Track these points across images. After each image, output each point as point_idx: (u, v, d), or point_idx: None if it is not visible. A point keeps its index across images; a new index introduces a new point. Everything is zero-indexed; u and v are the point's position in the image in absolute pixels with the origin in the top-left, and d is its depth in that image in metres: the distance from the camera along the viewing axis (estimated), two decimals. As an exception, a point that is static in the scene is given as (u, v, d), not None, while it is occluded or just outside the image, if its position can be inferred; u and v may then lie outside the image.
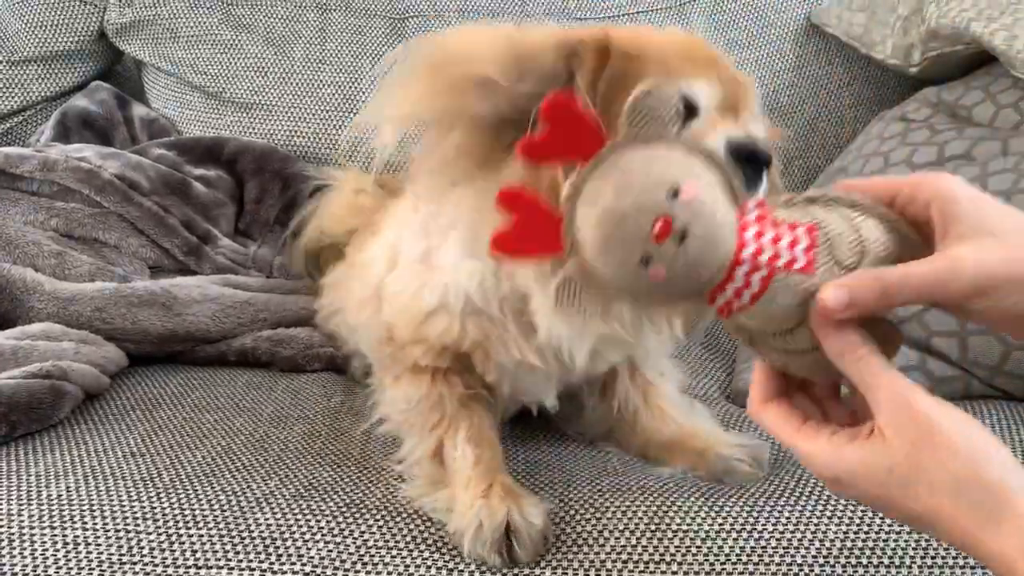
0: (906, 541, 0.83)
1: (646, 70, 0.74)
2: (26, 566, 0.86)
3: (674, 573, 0.83)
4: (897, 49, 1.55)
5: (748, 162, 0.71)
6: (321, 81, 1.71)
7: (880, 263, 0.63)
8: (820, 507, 0.88)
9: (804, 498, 0.89)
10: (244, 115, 1.72)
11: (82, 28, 1.77)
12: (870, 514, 0.86)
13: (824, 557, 0.82)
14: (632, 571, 0.83)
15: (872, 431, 0.62)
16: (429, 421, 0.96)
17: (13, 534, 0.89)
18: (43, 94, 1.77)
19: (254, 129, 1.71)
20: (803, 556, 0.83)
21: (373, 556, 0.86)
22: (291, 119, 1.70)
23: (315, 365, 1.36)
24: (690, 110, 0.75)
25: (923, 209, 0.64)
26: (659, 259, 0.62)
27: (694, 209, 0.62)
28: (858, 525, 0.85)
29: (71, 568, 0.85)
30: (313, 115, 1.70)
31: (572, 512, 0.89)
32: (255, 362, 1.38)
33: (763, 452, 0.96)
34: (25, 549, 0.87)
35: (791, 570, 0.82)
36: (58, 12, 1.76)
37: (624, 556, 0.84)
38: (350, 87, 1.71)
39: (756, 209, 0.65)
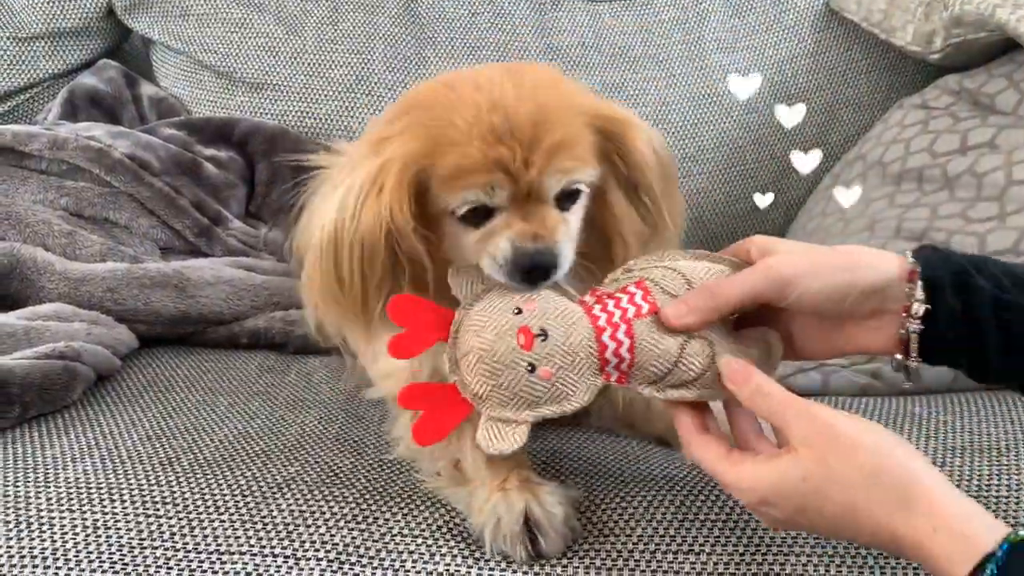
0: (938, 532, 0.82)
1: (440, 192, 0.79)
2: (45, 549, 0.84)
3: (703, 564, 0.81)
4: (918, 36, 1.53)
5: (527, 270, 0.78)
6: (333, 62, 1.69)
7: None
8: (850, 497, 0.87)
9: (833, 488, 0.88)
10: (255, 95, 1.69)
11: (90, 5, 1.74)
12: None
13: (855, 547, 0.81)
14: (660, 561, 0.82)
15: (787, 451, 0.70)
16: (435, 450, 0.91)
17: (32, 516, 0.87)
18: (50, 71, 1.74)
19: (265, 109, 1.69)
20: (834, 546, 0.82)
21: (398, 543, 0.85)
22: (302, 100, 1.68)
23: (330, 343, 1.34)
24: (486, 211, 0.80)
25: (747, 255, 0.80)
26: (539, 361, 0.76)
27: (539, 311, 0.77)
28: (889, 516, 0.84)
29: (91, 551, 0.84)
30: (325, 96, 1.68)
31: (597, 502, 0.88)
32: (268, 343, 1.37)
33: None
34: (45, 532, 0.86)
35: (822, 560, 0.81)
36: (66, -12, 1.73)
37: (652, 546, 0.83)
38: (362, 68, 1.69)
39: (591, 296, 0.80)
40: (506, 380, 0.76)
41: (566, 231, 0.81)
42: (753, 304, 0.78)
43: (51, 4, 1.72)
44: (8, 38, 1.71)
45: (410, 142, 0.79)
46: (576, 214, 0.84)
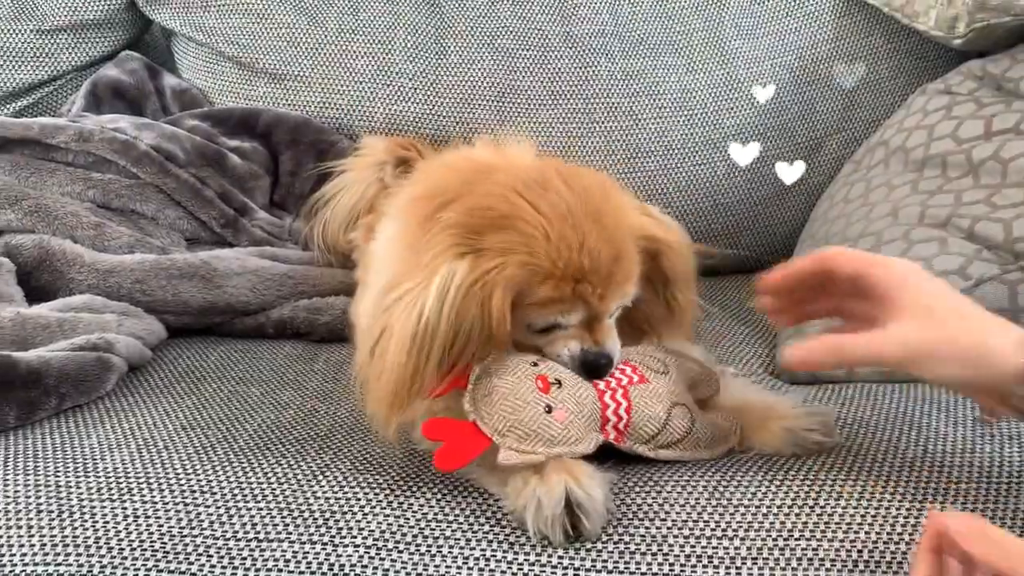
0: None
1: (527, 311, 0.91)
2: (88, 538, 0.86)
3: (736, 548, 0.82)
4: (941, 20, 1.52)
5: (592, 367, 0.92)
6: (354, 52, 1.69)
7: (678, 366, 0.96)
8: (883, 483, 0.87)
9: (865, 474, 0.89)
10: (277, 86, 1.70)
11: (113, -4, 1.75)
12: (934, 491, 0.86)
13: (888, 534, 0.82)
14: (695, 546, 0.83)
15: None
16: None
17: (74, 506, 0.89)
18: (73, 63, 1.75)
19: (287, 100, 1.69)
20: (867, 533, 0.82)
21: (433, 530, 0.86)
22: (324, 90, 1.69)
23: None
24: (557, 325, 0.92)
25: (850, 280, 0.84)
26: (555, 403, 0.87)
27: (552, 366, 0.91)
28: (921, 503, 0.85)
29: (133, 540, 0.86)
30: (346, 86, 1.68)
31: (631, 485, 0.89)
32: (293, 332, 1.38)
33: (831, 418, 0.96)
34: (87, 521, 0.87)
35: (855, 547, 0.81)
36: (88, -20, 1.74)
37: (686, 531, 0.84)
38: (384, 58, 1.69)
39: None
40: (526, 417, 0.85)
41: (615, 335, 0.95)
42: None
43: (74, -4, 1.73)
44: (32, 31, 1.72)
45: (512, 269, 0.87)
46: (616, 318, 0.97)
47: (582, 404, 0.88)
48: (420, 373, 0.86)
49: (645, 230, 0.96)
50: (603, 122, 1.67)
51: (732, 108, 1.68)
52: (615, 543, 0.83)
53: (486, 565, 0.83)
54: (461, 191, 0.93)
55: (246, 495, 0.90)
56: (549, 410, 0.86)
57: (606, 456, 0.90)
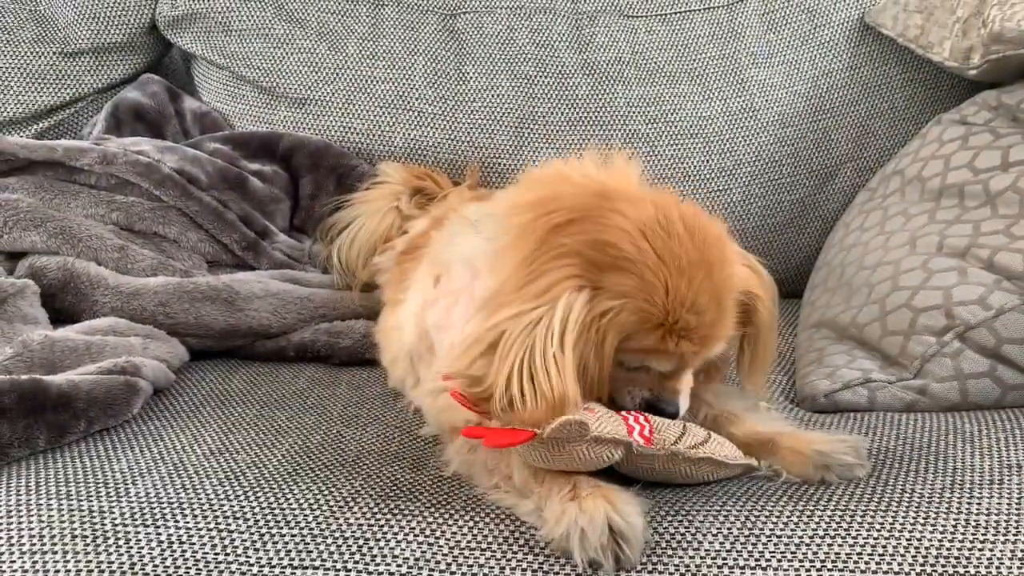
0: (1001, 551, 0.84)
1: (626, 353, 0.93)
2: (123, 564, 0.86)
3: (770, 578, 0.83)
4: (956, 51, 1.54)
5: (656, 412, 0.95)
6: (374, 77, 1.71)
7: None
8: (914, 513, 0.88)
9: (895, 504, 0.90)
10: (297, 110, 1.71)
11: (134, 20, 1.76)
12: (965, 521, 0.87)
13: (920, 565, 0.83)
14: (728, 575, 0.83)
15: None
16: (488, 463, 0.96)
17: (108, 532, 0.89)
18: (95, 86, 1.76)
19: (307, 125, 1.71)
20: (899, 564, 0.83)
21: (467, 557, 0.86)
22: (344, 115, 1.70)
23: (375, 353, 1.35)
24: (647, 368, 0.95)
25: None
26: (586, 407, 0.90)
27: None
28: (952, 533, 0.85)
29: (168, 567, 0.86)
30: (367, 111, 1.70)
31: (663, 514, 0.90)
32: (314, 356, 1.39)
33: (863, 445, 0.97)
34: (121, 547, 0.87)
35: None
36: (111, 3, 1.75)
37: (719, 560, 0.84)
38: (404, 84, 1.71)
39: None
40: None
41: (688, 389, 0.97)
42: None
43: (96, 20, 1.75)
44: (54, 53, 1.74)
45: (626, 315, 0.89)
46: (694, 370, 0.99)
47: (610, 412, 0.91)
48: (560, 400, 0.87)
49: (747, 284, 0.97)
50: (620, 149, 1.68)
51: (748, 136, 1.70)
52: (648, 572, 0.84)
53: (520, 594, 0.83)
54: (581, 215, 0.93)
55: (279, 521, 0.91)
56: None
57: (632, 482, 0.91)
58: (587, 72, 1.72)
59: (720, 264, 0.93)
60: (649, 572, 0.84)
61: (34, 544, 0.88)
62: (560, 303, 0.88)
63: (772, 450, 0.97)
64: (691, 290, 0.89)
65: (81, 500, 0.93)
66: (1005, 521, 0.87)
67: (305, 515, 0.91)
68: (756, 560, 0.84)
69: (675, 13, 1.77)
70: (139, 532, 0.89)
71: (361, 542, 0.88)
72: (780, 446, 0.97)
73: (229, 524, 0.90)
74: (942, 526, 0.86)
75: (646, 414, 0.93)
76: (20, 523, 0.90)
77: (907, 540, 0.85)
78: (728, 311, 0.94)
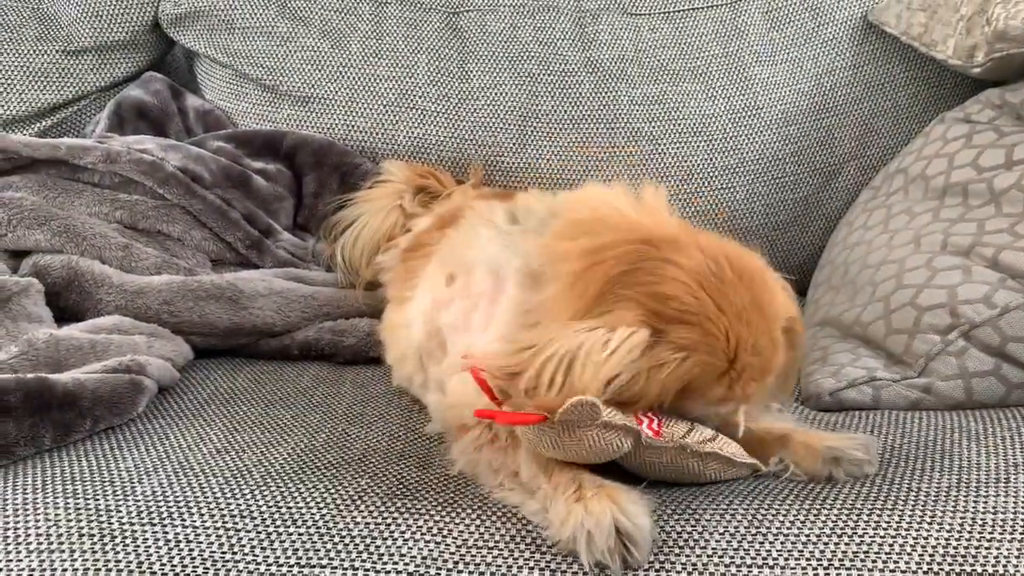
0: (1008, 549, 0.84)
1: (679, 399, 0.92)
2: (131, 563, 0.86)
3: (777, 577, 0.83)
4: (959, 50, 1.54)
5: None
6: (378, 75, 1.71)
7: None
8: (920, 512, 0.88)
9: (902, 502, 0.90)
10: (300, 109, 1.71)
11: (137, 18, 1.77)
12: (972, 520, 0.87)
13: (927, 563, 0.83)
14: (735, 574, 0.83)
15: None
16: (494, 461, 0.96)
17: (115, 530, 0.89)
18: (98, 84, 1.76)
19: (311, 123, 1.71)
20: (906, 562, 0.83)
21: (475, 556, 0.86)
22: (348, 113, 1.70)
23: (379, 351, 1.36)
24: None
25: None
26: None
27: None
28: (959, 531, 0.86)
29: (176, 565, 0.86)
30: (370, 109, 1.70)
31: (669, 512, 0.90)
32: (318, 354, 1.39)
33: (873, 443, 0.97)
34: (128, 546, 0.87)
35: (895, 576, 0.82)
36: (113, 1, 1.75)
37: (727, 559, 0.84)
38: (407, 82, 1.71)
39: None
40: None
41: None
42: None
43: (99, 18, 1.75)
44: (57, 51, 1.74)
45: (690, 366, 0.89)
46: None
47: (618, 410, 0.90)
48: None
49: (788, 311, 0.97)
50: (623, 147, 1.69)
51: (751, 134, 1.70)
52: (656, 571, 0.84)
53: (528, 592, 0.83)
54: (635, 266, 0.92)
55: (286, 520, 0.91)
56: None
57: (637, 481, 0.91)
58: (590, 70, 1.72)
59: (770, 300, 0.94)
60: (656, 571, 0.84)
61: (41, 543, 0.88)
62: (620, 327, 0.88)
63: (784, 444, 0.98)
64: (751, 334, 0.90)
65: (88, 499, 0.93)
66: (1012, 519, 0.87)
67: (312, 513, 0.91)
68: (763, 559, 0.84)
69: (678, 11, 1.78)
70: (146, 531, 0.89)
71: (368, 540, 0.88)
72: (792, 440, 0.98)
73: (236, 522, 0.90)
74: (948, 524, 0.86)
75: (647, 413, 0.93)
76: (27, 522, 0.90)
77: (913, 539, 0.85)
78: (780, 342, 0.94)
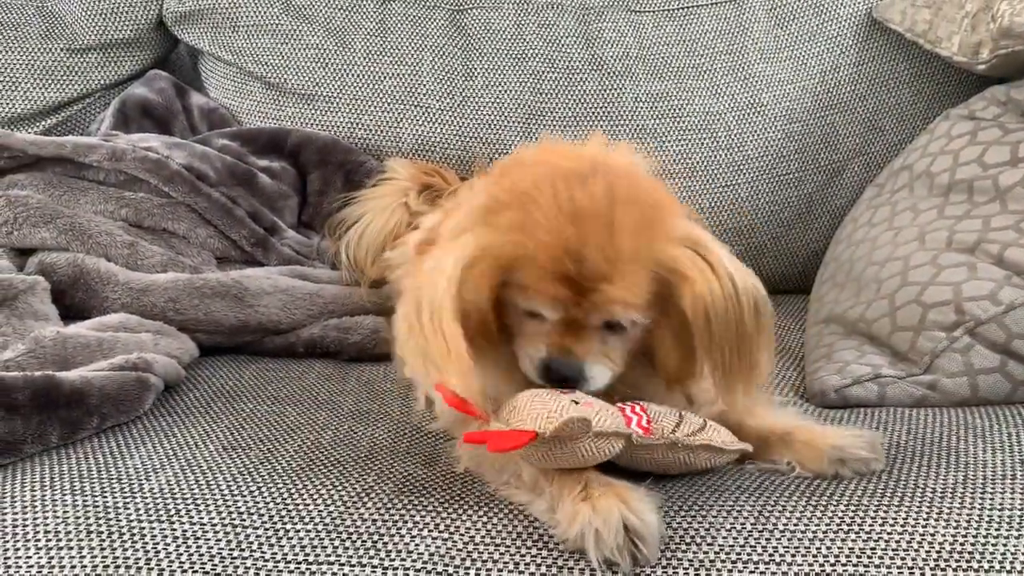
0: (1015, 545, 0.84)
1: (513, 291, 0.91)
2: (139, 559, 0.86)
3: (784, 574, 0.83)
4: (964, 46, 1.54)
5: (553, 376, 0.91)
6: (382, 73, 1.71)
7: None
8: (927, 508, 0.88)
9: (908, 499, 0.90)
10: (305, 106, 1.72)
11: (141, 16, 1.77)
12: (978, 518, 0.87)
13: (935, 560, 0.83)
14: (742, 571, 0.83)
15: None
16: (496, 463, 0.96)
17: (123, 527, 0.89)
18: (102, 82, 1.77)
19: (315, 121, 1.71)
20: (913, 559, 0.83)
21: (481, 552, 0.86)
22: (352, 111, 1.70)
23: (384, 348, 1.36)
24: (538, 314, 0.92)
25: None
26: (580, 399, 0.88)
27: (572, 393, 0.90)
28: (965, 528, 0.86)
29: (184, 563, 0.86)
30: (375, 107, 1.70)
31: (676, 509, 0.90)
32: (323, 352, 1.39)
33: (879, 440, 0.97)
34: (137, 543, 0.88)
35: (901, 573, 0.82)
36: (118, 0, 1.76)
37: (733, 556, 0.85)
38: (411, 80, 1.71)
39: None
40: (556, 407, 0.85)
41: (601, 353, 0.92)
42: None
43: (103, 16, 1.75)
44: (62, 49, 1.74)
45: (506, 247, 0.89)
46: (622, 341, 0.93)
47: (605, 404, 0.89)
48: (450, 338, 0.87)
49: (662, 257, 0.90)
50: (627, 143, 1.68)
51: (755, 131, 1.70)
52: (663, 568, 0.84)
53: (535, 589, 0.84)
54: (519, 168, 0.94)
55: (293, 517, 0.91)
56: (577, 403, 0.87)
57: (642, 477, 0.91)
58: (594, 68, 1.73)
59: (633, 225, 0.88)
60: (663, 568, 0.84)
61: (50, 540, 0.88)
62: (458, 244, 0.89)
63: (786, 444, 0.97)
64: (578, 235, 0.86)
65: (95, 496, 0.94)
66: (1019, 516, 0.87)
67: (319, 510, 0.92)
68: (770, 555, 0.84)
69: (682, 8, 1.77)
70: (154, 528, 0.89)
71: (375, 537, 0.88)
72: (795, 440, 0.97)
73: (243, 520, 0.90)
74: (955, 521, 0.86)
75: (641, 403, 0.93)
76: (35, 519, 0.90)
77: (920, 535, 0.85)
78: (627, 273, 0.88)
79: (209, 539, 0.88)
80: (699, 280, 0.89)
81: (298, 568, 0.86)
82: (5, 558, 0.87)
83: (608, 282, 0.87)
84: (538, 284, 0.88)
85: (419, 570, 0.85)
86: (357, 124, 1.70)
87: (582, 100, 1.71)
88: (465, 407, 0.89)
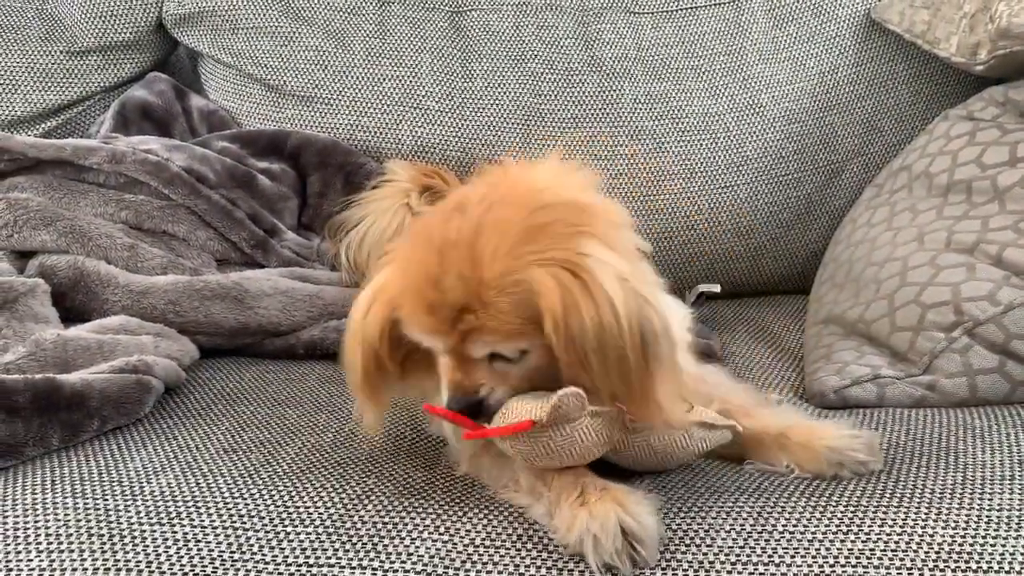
0: (1013, 546, 0.84)
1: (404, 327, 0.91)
2: (140, 563, 0.86)
3: (783, 575, 0.83)
4: (962, 47, 1.54)
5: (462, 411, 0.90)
6: (381, 75, 1.71)
7: None
8: (925, 509, 0.88)
9: (907, 500, 0.90)
10: (305, 108, 1.72)
11: (141, 19, 1.77)
12: (977, 517, 0.87)
13: (932, 561, 0.83)
14: (741, 572, 0.84)
15: None
16: (494, 469, 0.96)
17: (124, 530, 0.89)
18: (102, 85, 1.77)
19: (315, 123, 1.71)
20: (912, 560, 0.83)
21: (482, 555, 0.86)
22: (352, 113, 1.71)
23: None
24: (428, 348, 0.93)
25: None
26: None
27: None
28: (964, 529, 0.86)
29: (184, 565, 0.86)
30: (374, 109, 1.70)
31: (675, 511, 0.90)
32: (323, 353, 1.39)
33: (876, 440, 0.97)
34: (138, 545, 0.88)
35: (900, 573, 0.82)
36: (118, 2, 1.76)
37: (732, 557, 0.85)
38: (411, 81, 1.71)
39: None
40: (543, 401, 0.86)
41: (498, 381, 0.90)
42: None
43: (103, 18, 1.75)
44: (62, 52, 1.74)
45: (390, 285, 0.92)
46: (519, 368, 0.90)
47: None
48: (364, 371, 0.93)
49: (529, 284, 0.84)
50: (627, 145, 1.69)
51: (754, 132, 1.70)
52: (663, 569, 0.84)
53: (535, 590, 0.84)
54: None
55: (293, 519, 0.91)
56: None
57: (641, 479, 0.92)
58: (594, 69, 1.73)
59: (495, 256, 0.84)
60: (663, 570, 0.84)
61: (51, 543, 0.88)
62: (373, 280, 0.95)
63: (782, 446, 0.97)
64: (440, 267, 0.86)
65: (96, 499, 0.94)
66: (1017, 517, 0.87)
67: (320, 513, 0.92)
68: (769, 556, 0.85)
69: (681, 9, 1.78)
70: (155, 530, 0.89)
71: (376, 539, 0.88)
72: (791, 441, 0.97)
73: (244, 522, 0.91)
74: (954, 522, 0.87)
75: None
76: (37, 522, 0.91)
77: (919, 536, 0.85)
78: (490, 305, 0.84)
79: (210, 541, 0.88)
80: (558, 304, 0.83)
81: (299, 570, 0.86)
82: (7, 561, 0.87)
83: (471, 312, 0.85)
84: (411, 317, 0.89)
85: (419, 572, 0.85)
86: (357, 126, 1.70)
87: (581, 101, 1.71)
88: (455, 417, 0.90)
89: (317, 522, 0.91)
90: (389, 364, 0.95)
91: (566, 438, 0.86)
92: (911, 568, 0.82)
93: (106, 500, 0.94)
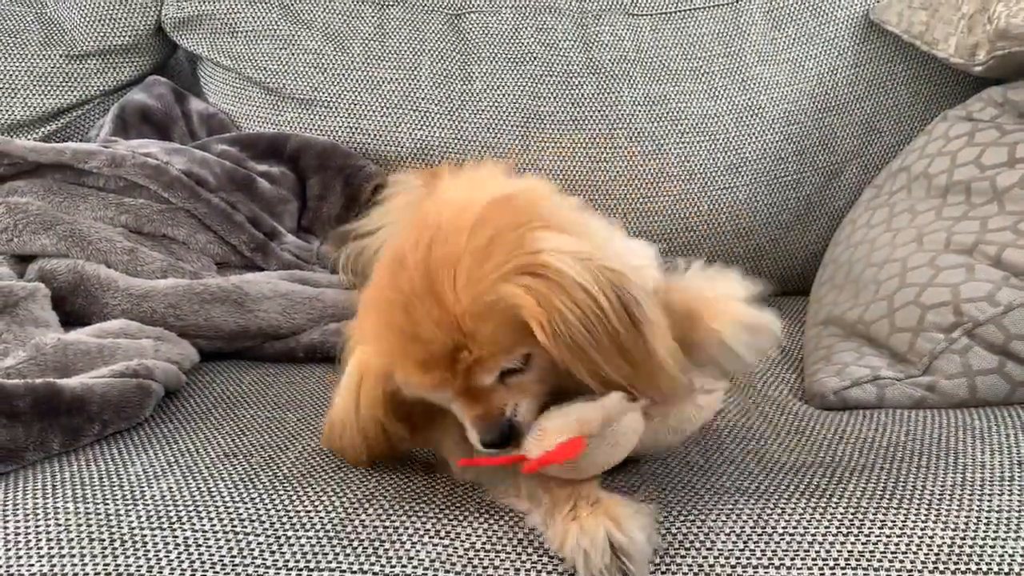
0: (1012, 547, 0.84)
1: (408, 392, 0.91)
2: (141, 567, 0.86)
3: (783, 577, 0.83)
4: (961, 48, 1.54)
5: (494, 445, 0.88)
6: (380, 78, 1.72)
7: None
8: (925, 511, 0.88)
9: (907, 501, 0.90)
10: (304, 111, 1.72)
11: (140, 22, 1.77)
12: (977, 518, 0.87)
13: (932, 562, 0.83)
14: (741, 575, 0.84)
15: None
16: (496, 473, 0.95)
17: (125, 535, 0.89)
18: (101, 88, 1.77)
19: (314, 126, 1.71)
20: (912, 561, 0.83)
21: (483, 559, 0.87)
22: (351, 116, 1.71)
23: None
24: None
25: None
26: None
27: None
28: (964, 530, 0.86)
29: (185, 570, 0.86)
30: (373, 111, 1.71)
31: (675, 514, 0.90)
32: (324, 356, 1.39)
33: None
34: (139, 550, 0.88)
35: (900, 575, 0.82)
36: (117, 6, 1.76)
37: (732, 560, 0.85)
38: (410, 84, 1.71)
39: None
40: (578, 412, 0.86)
41: (516, 395, 0.88)
42: None
43: (102, 22, 1.75)
44: (61, 56, 1.74)
45: (373, 362, 0.91)
46: (529, 373, 0.88)
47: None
48: (371, 452, 0.98)
49: (502, 300, 0.83)
50: (626, 147, 1.69)
51: (753, 133, 1.70)
52: (662, 573, 0.84)
53: (536, 594, 0.84)
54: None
55: (294, 523, 0.91)
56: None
57: (640, 485, 0.92)
58: (592, 71, 1.73)
59: (460, 288, 0.83)
60: (663, 572, 0.84)
61: (52, 547, 0.88)
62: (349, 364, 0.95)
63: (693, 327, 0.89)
64: (412, 324, 0.84)
65: (97, 503, 0.94)
66: (1016, 518, 0.87)
67: (321, 517, 0.92)
68: (769, 559, 0.85)
69: (679, 11, 1.78)
70: (156, 535, 0.90)
71: (376, 543, 0.88)
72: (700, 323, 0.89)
73: (245, 527, 0.91)
74: (954, 523, 0.87)
75: None
76: (37, 526, 0.91)
77: (919, 537, 0.85)
78: (475, 336, 0.83)
79: (211, 546, 0.89)
80: (538, 312, 0.82)
81: (299, 574, 0.86)
82: (8, 566, 0.87)
83: (462, 349, 0.84)
84: (408, 381, 0.87)
85: (420, 576, 0.85)
86: (356, 128, 1.71)
87: (580, 103, 1.71)
88: (503, 460, 0.88)
89: (318, 526, 0.91)
90: (400, 430, 0.96)
91: (621, 435, 0.86)
92: (911, 570, 0.83)
93: (107, 504, 0.94)
